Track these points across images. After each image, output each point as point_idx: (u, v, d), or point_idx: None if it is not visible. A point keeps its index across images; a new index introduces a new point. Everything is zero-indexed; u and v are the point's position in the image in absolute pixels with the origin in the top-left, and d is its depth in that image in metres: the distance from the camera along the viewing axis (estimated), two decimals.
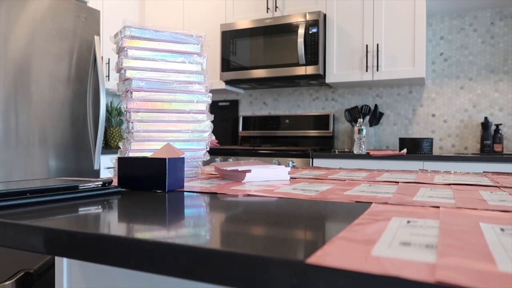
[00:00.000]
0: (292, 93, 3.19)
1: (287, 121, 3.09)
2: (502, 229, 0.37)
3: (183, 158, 0.68)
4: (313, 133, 3.00)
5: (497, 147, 2.58)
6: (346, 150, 2.84)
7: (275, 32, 2.75)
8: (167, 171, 0.63)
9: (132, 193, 0.62)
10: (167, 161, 0.63)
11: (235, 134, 3.33)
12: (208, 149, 0.89)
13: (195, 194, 0.62)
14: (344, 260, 0.27)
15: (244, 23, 2.86)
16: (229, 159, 2.61)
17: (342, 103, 3.03)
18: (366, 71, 2.59)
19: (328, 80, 2.71)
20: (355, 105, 2.97)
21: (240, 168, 0.80)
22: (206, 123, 0.88)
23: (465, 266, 0.25)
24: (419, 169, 1.22)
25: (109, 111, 3.07)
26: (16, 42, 1.94)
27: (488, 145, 2.59)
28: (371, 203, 0.55)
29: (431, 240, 0.33)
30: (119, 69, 0.83)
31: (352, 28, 2.65)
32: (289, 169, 0.86)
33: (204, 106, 0.88)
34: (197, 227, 0.38)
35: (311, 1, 2.75)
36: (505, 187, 0.74)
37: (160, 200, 0.55)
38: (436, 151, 2.80)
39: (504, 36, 2.67)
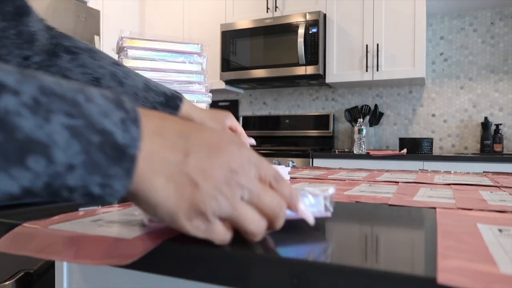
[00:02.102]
0: (292, 93, 3.19)
1: (287, 121, 3.09)
2: (500, 230, 0.37)
3: None
4: (313, 133, 3.00)
5: (497, 147, 2.58)
6: (346, 150, 2.84)
7: (275, 32, 2.75)
8: None
9: None
10: None
11: None
12: None
13: None
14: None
15: (244, 23, 2.86)
16: None
17: (342, 103, 3.03)
18: (366, 71, 2.59)
19: (328, 80, 2.71)
20: (355, 105, 2.97)
21: None
22: None
23: (467, 269, 0.25)
24: (419, 169, 1.22)
25: None
26: None
27: (488, 145, 2.59)
28: (387, 204, 0.55)
29: None
30: None
31: (352, 28, 2.65)
32: (289, 169, 0.86)
33: (204, 106, 0.88)
34: None
35: (311, 1, 2.75)
36: (505, 187, 0.74)
37: None
38: (436, 151, 2.80)
39: (504, 36, 2.67)
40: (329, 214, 0.38)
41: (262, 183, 0.32)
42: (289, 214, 0.34)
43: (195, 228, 0.29)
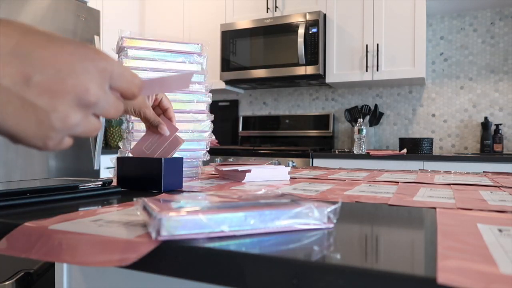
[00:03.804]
0: (292, 93, 3.19)
1: (287, 121, 3.09)
2: (500, 230, 0.37)
3: (182, 158, 0.68)
4: (313, 133, 3.00)
5: (497, 147, 2.58)
6: (346, 150, 2.84)
7: (275, 32, 2.75)
8: (162, 171, 0.63)
9: (131, 193, 0.62)
10: (162, 161, 0.63)
11: (235, 134, 3.33)
12: (208, 149, 0.89)
13: (193, 193, 0.62)
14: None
15: (244, 23, 2.86)
16: (229, 159, 2.61)
17: (342, 103, 3.03)
18: (366, 71, 2.59)
19: (328, 80, 2.71)
20: (355, 105, 2.97)
21: (240, 168, 0.80)
22: (206, 123, 0.88)
23: (467, 269, 0.25)
24: (419, 169, 1.22)
25: None
26: None
27: (488, 145, 2.59)
28: (387, 204, 0.55)
29: None
30: None
31: (352, 28, 2.65)
32: (289, 169, 0.86)
33: (204, 106, 0.88)
34: None
35: (311, 1, 2.75)
36: (505, 187, 0.74)
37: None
38: (436, 151, 2.80)
39: (504, 36, 2.67)
40: (331, 225, 0.38)
41: (112, 92, 0.33)
42: None
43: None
